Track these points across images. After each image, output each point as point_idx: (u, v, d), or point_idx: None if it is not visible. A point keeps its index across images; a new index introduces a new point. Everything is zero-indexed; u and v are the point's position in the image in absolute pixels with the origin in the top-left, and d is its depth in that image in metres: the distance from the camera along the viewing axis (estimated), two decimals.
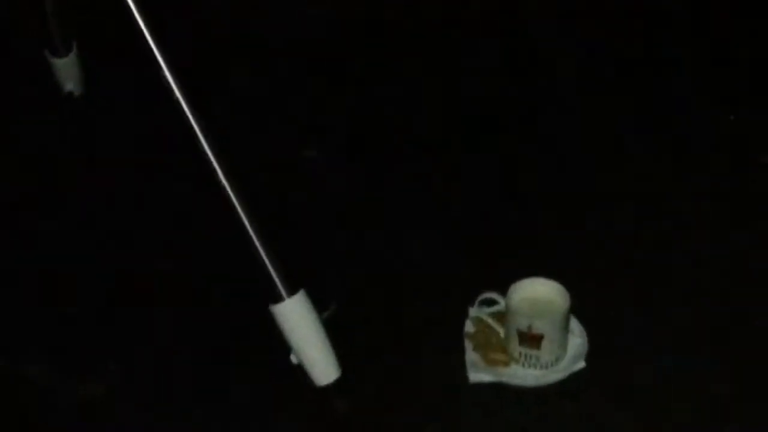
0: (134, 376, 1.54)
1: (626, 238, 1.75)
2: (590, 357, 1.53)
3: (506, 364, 1.53)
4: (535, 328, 1.49)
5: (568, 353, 1.53)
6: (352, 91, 2.06)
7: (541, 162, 1.92)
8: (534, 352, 1.51)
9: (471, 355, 1.53)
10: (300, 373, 1.44)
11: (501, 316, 1.55)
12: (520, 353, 1.52)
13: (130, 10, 1.28)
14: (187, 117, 1.32)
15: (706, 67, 2.03)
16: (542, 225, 1.78)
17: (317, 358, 1.44)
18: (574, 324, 1.56)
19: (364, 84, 2.08)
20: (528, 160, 1.92)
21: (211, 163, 1.34)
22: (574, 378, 1.52)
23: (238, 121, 1.93)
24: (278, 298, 1.41)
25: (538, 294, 1.54)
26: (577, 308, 1.53)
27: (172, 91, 1.31)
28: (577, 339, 1.55)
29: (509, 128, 1.99)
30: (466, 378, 1.52)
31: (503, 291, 1.54)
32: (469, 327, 1.57)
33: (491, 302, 1.58)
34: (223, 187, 1.36)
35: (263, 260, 1.40)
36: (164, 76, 1.31)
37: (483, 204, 1.84)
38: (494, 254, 1.71)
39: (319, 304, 1.44)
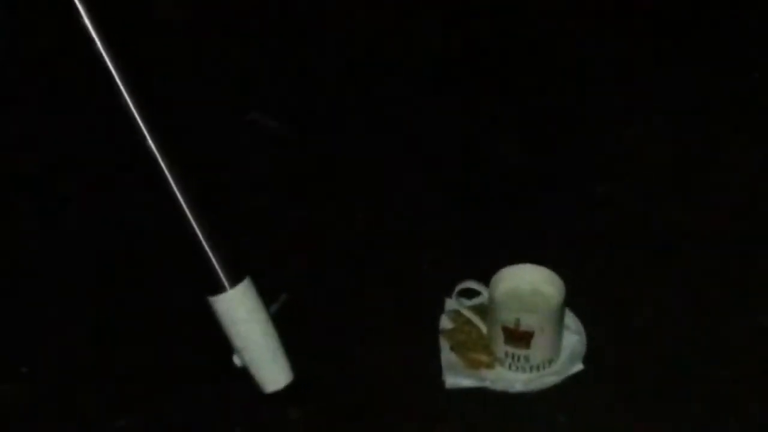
0: (51, 378, 1.47)
1: (630, 219, 1.67)
2: (589, 358, 1.44)
3: (489, 366, 1.43)
4: (523, 323, 1.39)
5: (562, 353, 1.44)
6: (303, 52, 2.02)
7: (529, 131, 1.85)
8: (522, 351, 1.41)
9: (448, 356, 1.43)
10: (245, 377, 1.37)
11: (483, 310, 1.45)
12: (506, 353, 1.42)
13: None
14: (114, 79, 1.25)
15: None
16: (532, 203, 1.70)
17: (265, 359, 1.37)
18: (570, 319, 1.46)
19: (316, 44, 2.03)
20: (514, 127, 1.86)
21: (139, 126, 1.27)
22: (570, 383, 1.42)
23: (175, 85, 1.84)
24: (218, 288, 1.33)
25: (527, 283, 1.44)
26: (573, 300, 1.44)
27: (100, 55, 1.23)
28: (574, 336, 1.45)
29: (489, 88, 1.93)
30: (441, 383, 1.42)
31: (486, 280, 1.44)
32: (445, 322, 1.48)
33: (472, 293, 1.47)
34: (151, 153, 1.27)
35: (199, 242, 1.31)
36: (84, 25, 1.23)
37: (460, 178, 1.76)
38: (475, 236, 1.64)
39: (267, 294, 1.36)
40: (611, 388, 1.42)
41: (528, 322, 1.39)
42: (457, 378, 1.42)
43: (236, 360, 1.37)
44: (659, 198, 1.72)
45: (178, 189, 1.29)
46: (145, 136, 1.26)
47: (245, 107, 1.89)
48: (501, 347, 1.42)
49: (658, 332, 1.50)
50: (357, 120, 1.88)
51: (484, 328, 1.45)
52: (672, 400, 1.40)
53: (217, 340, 1.36)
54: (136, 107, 1.26)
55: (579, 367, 1.43)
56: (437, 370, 1.44)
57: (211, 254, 1.32)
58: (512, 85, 1.93)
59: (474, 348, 1.45)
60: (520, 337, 1.41)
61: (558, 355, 1.44)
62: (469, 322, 1.46)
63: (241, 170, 1.78)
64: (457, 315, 1.48)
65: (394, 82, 1.94)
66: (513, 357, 1.42)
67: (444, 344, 1.46)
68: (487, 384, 1.42)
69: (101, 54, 1.22)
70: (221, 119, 1.87)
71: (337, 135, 1.86)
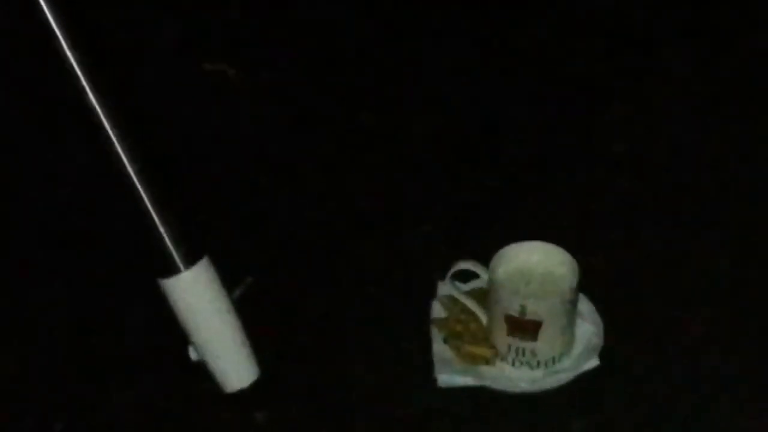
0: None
1: (654, 187, 1.64)
2: (606, 352, 1.41)
3: (490, 361, 1.40)
4: (530, 311, 1.36)
5: (575, 347, 1.41)
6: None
7: (538, 93, 1.81)
8: (528, 344, 1.38)
9: (440, 350, 1.41)
10: (203, 373, 1.34)
11: (483, 296, 1.43)
12: (510, 346, 1.39)
13: None
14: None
15: None
16: (540, 171, 1.68)
17: (226, 352, 1.34)
18: (585, 306, 1.43)
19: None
20: (521, 88, 1.82)
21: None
22: (584, 381, 1.39)
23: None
24: (171, 270, 1.29)
25: (535, 264, 1.41)
26: (588, 284, 1.40)
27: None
28: (589, 327, 1.42)
29: (498, 41, 1.90)
30: (433, 381, 1.39)
31: (486, 260, 1.41)
32: (437, 310, 1.45)
33: (469, 276, 1.45)
34: (90, 107, 1.23)
35: (149, 214, 1.28)
36: None
37: (457, 142, 1.73)
38: (474, 210, 1.61)
39: (229, 277, 1.33)
40: (632, 387, 1.39)
41: (535, 309, 1.36)
42: (451, 376, 1.39)
43: (192, 354, 1.34)
44: (687, 167, 1.68)
45: (124, 151, 1.27)
46: (84, 89, 1.24)
47: (200, 56, 1.87)
48: (503, 339, 1.40)
49: (687, 322, 1.46)
50: (340, 71, 1.85)
51: (483, 317, 1.43)
52: (701, 400, 1.37)
53: (169, 331, 1.33)
54: (74, 56, 1.23)
55: (595, 362, 1.40)
56: (428, 367, 1.41)
57: (162, 229, 1.29)
58: (523, 38, 1.91)
59: (471, 340, 1.42)
60: (525, 328, 1.37)
61: (570, 348, 1.42)
62: (465, 309, 1.44)
63: (199, 129, 1.75)
64: (451, 302, 1.46)
65: (380, 24, 1.93)
66: (517, 351, 1.40)
67: (436, 336, 1.43)
68: (487, 383, 1.39)
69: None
70: (173, 70, 1.85)
71: (313, 88, 1.82)
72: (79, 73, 1.21)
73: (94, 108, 1.23)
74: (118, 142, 1.25)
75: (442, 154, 1.72)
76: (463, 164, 1.70)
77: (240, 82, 1.44)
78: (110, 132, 1.24)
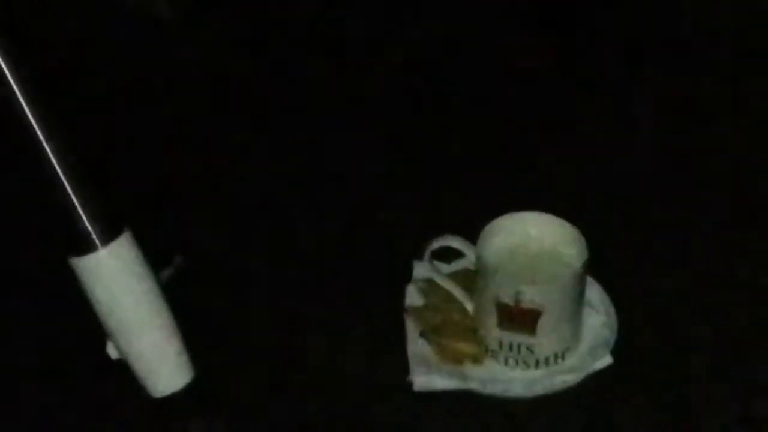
0: None
1: (674, 154, 1.57)
2: (620, 348, 1.31)
3: (477, 360, 1.31)
4: (527, 298, 1.26)
5: (582, 342, 1.32)
6: None
7: (534, 43, 1.75)
8: (525, 339, 1.29)
9: (417, 346, 1.32)
10: (124, 374, 1.22)
11: (469, 279, 1.34)
12: (502, 342, 1.30)
13: None
14: None
15: None
16: (540, 129, 1.61)
17: (153, 350, 1.22)
18: (594, 292, 1.35)
19: None
20: (519, 19, 1.79)
21: None
22: (593, 383, 1.29)
23: None
24: (86, 247, 1.19)
25: (532, 240, 1.33)
26: (597, 265, 1.31)
27: None
28: (599, 317, 1.33)
29: None
30: (408, 383, 1.29)
31: (473, 235, 1.31)
32: (413, 297, 1.37)
33: (452, 254, 1.36)
34: None
35: (59, 180, 1.18)
36: None
37: (434, 91, 1.67)
38: (458, 174, 1.55)
39: (156, 256, 1.21)
40: (651, 390, 1.29)
41: (533, 296, 1.26)
42: (430, 377, 1.30)
43: (111, 351, 1.22)
44: (708, 131, 1.63)
45: (28, 105, 1.17)
46: None
47: None
48: (494, 333, 1.30)
49: (717, 312, 1.36)
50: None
51: (469, 306, 1.34)
52: (726, 402, 1.28)
53: (83, 322, 1.20)
54: None
55: (606, 361, 1.31)
56: (402, 366, 1.30)
57: (74, 199, 1.19)
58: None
59: (454, 334, 1.33)
60: (521, 318, 1.27)
61: (576, 344, 1.32)
62: (448, 296, 1.35)
63: (123, 71, 1.69)
64: (430, 286, 1.37)
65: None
66: (511, 347, 1.30)
67: (412, 329, 1.34)
68: (474, 386, 1.29)
69: None
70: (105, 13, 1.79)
71: (259, 19, 1.78)
72: None
73: None
74: (24, 99, 1.15)
75: (421, 113, 1.66)
76: (445, 124, 1.64)
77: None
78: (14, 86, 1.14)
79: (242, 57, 1.77)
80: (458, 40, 1.82)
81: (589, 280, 1.31)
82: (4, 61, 1.15)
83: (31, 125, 1.16)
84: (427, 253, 1.33)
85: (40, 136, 1.16)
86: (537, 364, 1.29)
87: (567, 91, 1.70)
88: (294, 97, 1.70)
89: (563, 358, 1.29)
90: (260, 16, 1.90)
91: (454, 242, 1.32)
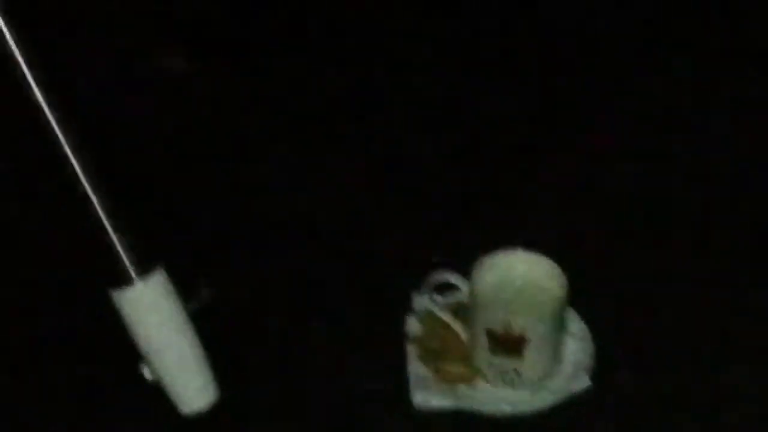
0: None
1: (647, 191, 1.61)
2: (597, 371, 1.37)
3: (470, 381, 1.37)
4: (515, 326, 1.32)
5: (563, 365, 1.38)
6: None
7: (525, 91, 1.77)
8: (513, 363, 1.34)
9: (416, 369, 1.38)
10: (158, 394, 1.27)
11: (463, 310, 1.40)
12: (492, 365, 1.36)
13: None
14: None
15: None
16: (525, 171, 1.64)
17: (182, 371, 1.28)
18: (573, 321, 1.40)
19: None
20: (507, 74, 1.79)
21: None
22: (573, 403, 1.35)
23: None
24: (123, 280, 1.24)
25: (519, 275, 1.39)
26: (576, 297, 1.37)
27: None
28: (578, 343, 1.39)
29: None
30: (408, 402, 1.35)
31: (466, 271, 1.37)
32: (413, 325, 1.42)
33: (447, 288, 1.41)
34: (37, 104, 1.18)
35: (101, 222, 1.23)
36: None
37: (436, 137, 1.70)
38: (453, 214, 1.58)
39: (185, 289, 1.27)
40: (626, 409, 1.35)
41: (520, 324, 1.32)
42: (428, 396, 1.36)
43: (146, 373, 1.28)
44: (683, 170, 1.66)
45: (73, 153, 1.21)
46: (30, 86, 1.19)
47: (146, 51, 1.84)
48: (485, 357, 1.36)
49: (685, 336, 1.42)
50: (301, 55, 1.83)
51: (463, 333, 1.39)
52: (701, 421, 1.33)
53: (122, 347, 1.25)
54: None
55: (585, 383, 1.37)
56: (403, 387, 1.37)
57: (114, 236, 1.24)
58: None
59: (450, 358, 1.39)
60: (510, 344, 1.33)
61: (558, 367, 1.37)
62: (444, 325, 1.40)
63: (150, 126, 1.71)
64: (428, 316, 1.42)
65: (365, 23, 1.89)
66: (500, 370, 1.36)
67: (412, 354, 1.40)
68: (467, 404, 1.35)
69: None
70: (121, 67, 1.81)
71: (273, 76, 1.79)
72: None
73: (42, 106, 1.18)
74: (66, 142, 1.20)
75: (421, 153, 1.68)
76: (443, 166, 1.66)
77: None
78: (58, 131, 1.19)
79: (253, 111, 1.75)
80: (462, 84, 1.80)
81: (570, 310, 1.37)
82: (51, 114, 1.19)
83: (76, 172, 1.21)
84: (426, 287, 1.39)
85: (84, 182, 1.21)
86: (523, 385, 1.34)
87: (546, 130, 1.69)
88: (297, 135, 1.70)
89: (546, 380, 1.35)
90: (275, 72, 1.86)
91: (450, 277, 1.38)
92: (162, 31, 1.88)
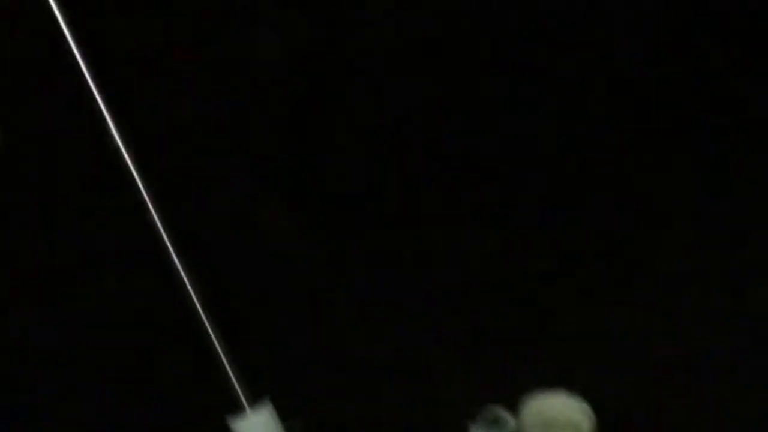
0: None
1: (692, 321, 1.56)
2: None
3: None
4: None
5: None
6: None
7: (568, 238, 1.63)
8: None
9: None
10: None
11: None
12: None
13: None
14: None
15: None
16: (565, 312, 1.57)
17: None
18: None
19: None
20: (547, 232, 1.63)
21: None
22: None
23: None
24: (236, 408, 1.30)
25: (557, 413, 1.44)
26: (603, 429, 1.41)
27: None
28: None
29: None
30: None
31: (511, 405, 1.41)
32: None
33: (496, 420, 1.44)
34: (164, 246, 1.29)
35: (219, 355, 1.30)
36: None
37: (486, 286, 1.60)
38: (503, 354, 1.54)
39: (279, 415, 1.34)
40: None
41: None
42: None
43: None
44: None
45: (200, 302, 1.29)
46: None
47: None
48: None
49: None
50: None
51: None
52: None
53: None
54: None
55: None
56: None
57: (229, 368, 1.31)
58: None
59: None
60: None
61: None
62: None
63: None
64: None
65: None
66: None
67: None
68: None
69: None
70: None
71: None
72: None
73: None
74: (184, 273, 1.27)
75: (475, 294, 1.62)
76: (492, 303, 1.60)
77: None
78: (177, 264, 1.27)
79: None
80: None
81: None
82: (184, 272, 1.29)
83: (199, 315, 1.29)
84: (481, 418, 1.45)
85: (205, 320, 1.29)
86: None
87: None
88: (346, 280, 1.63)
89: None
90: None
91: (501, 412, 1.44)
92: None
